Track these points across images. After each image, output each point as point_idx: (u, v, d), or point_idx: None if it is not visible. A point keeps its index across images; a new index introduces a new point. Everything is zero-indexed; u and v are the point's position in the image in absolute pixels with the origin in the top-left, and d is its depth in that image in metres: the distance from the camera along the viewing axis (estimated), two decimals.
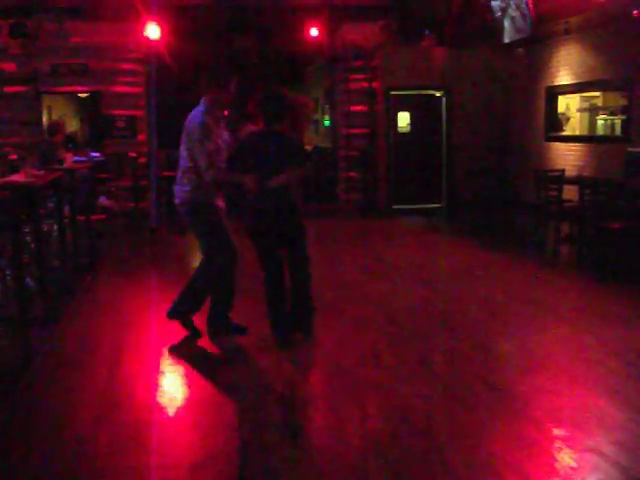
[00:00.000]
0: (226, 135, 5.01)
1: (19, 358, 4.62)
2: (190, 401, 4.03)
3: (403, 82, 12.44)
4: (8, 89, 11.30)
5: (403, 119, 12.77)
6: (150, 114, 10.62)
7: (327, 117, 14.83)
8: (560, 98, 11.25)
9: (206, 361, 4.73)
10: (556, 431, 3.48)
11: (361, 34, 12.15)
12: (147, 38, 10.61)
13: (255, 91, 5.44)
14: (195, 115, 4.87)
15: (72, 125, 13.72)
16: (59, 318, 5.57)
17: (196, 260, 8.66)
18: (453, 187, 12.76)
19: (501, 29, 11.44)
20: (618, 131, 9.94)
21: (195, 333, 5.06)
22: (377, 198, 12.66)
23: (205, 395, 4.13)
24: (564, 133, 11.21)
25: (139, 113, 11.98)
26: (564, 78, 10.91)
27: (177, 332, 5.11)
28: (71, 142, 10.51)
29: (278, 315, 4.87)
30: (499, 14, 11.27)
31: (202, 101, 4.92)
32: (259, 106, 4.94)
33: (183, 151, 4.90)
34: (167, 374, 4.44)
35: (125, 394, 4.14)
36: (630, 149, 8.65)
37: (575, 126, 11.08)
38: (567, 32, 10.58)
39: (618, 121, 9.95)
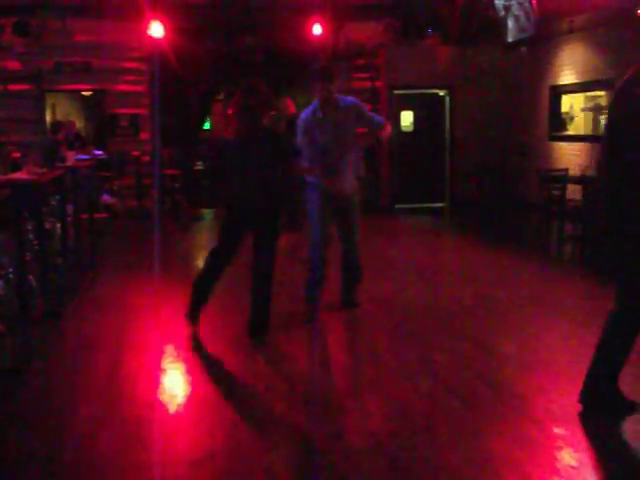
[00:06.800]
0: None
1: (20, 355, 4.62)
2: (191, 398, 4.03)
3: (406, 81, 12.43)
4: (12, 87, 11.33)
5: (406, 118, 12.75)
6: (153, 113, 10.66)
7: None
8: (564, 97, 11.22)
9: (207, 359, 4.72)
10: (557, 430, 3.47)
11: (364, 33, 12.14)
12: (150, 37, 10.63)
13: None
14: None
15: (76, 123, 13.75)
16: (61, 316, 5.57)
17: (197, 257, 8.68)
18: (456, 186, 12.74)
19: (505, 28, 11.42)
20: None
21: None
22: (380, 197, 12.65)
23: (206, 392, 4.12)
24: (568, 133, 11.18)
25: (142, 111, 12.00)
26: (568, 77, 10.89)
27: (179, 330, 5.11)
28: (78, 140, 10.53)
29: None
30: (503, 13, 11.24)
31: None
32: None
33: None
34: (168, 371, 4.44)
35: (126, 391, 4.14)
36: None
37: (579, 126, 11.05)
38: (571, 31, 10.55)
39: None
